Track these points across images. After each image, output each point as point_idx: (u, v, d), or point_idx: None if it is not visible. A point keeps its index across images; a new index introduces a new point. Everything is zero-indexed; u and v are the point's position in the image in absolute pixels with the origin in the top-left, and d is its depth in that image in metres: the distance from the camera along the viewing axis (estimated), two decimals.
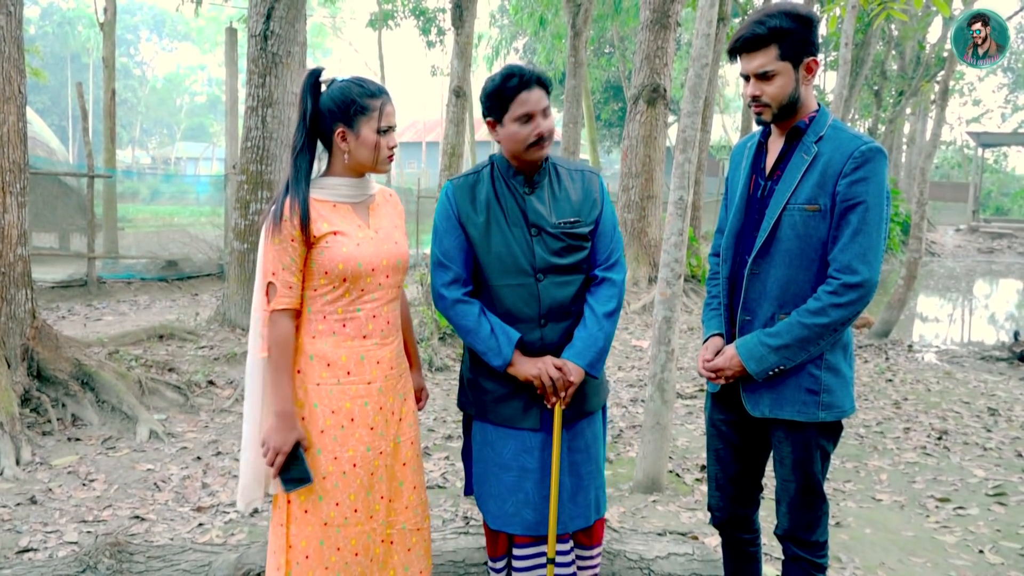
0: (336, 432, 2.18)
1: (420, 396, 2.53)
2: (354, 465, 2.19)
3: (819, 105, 2.21)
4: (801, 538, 2.26)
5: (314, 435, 2.18)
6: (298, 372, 2.19)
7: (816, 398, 2.18)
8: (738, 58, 2.18)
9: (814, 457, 2.21)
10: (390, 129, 2.22)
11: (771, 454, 2.34)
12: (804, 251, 2.14)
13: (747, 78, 2.17)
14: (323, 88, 2.21)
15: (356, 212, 2.25)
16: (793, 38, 2.09)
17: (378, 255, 2.21)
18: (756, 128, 2.39)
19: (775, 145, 2.26)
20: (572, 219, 2.38)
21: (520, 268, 2.35)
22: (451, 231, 2.40)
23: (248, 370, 2.23)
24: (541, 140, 2.33)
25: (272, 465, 2.12)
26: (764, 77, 2.12)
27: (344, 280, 2.16)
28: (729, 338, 2.36)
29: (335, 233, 2.16)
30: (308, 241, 2.14)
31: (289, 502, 2.19)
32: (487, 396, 2.42)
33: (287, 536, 2.19)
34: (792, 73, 2.12)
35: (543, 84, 2.34)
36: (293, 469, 2.13)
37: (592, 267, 2.43)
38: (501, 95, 2.31)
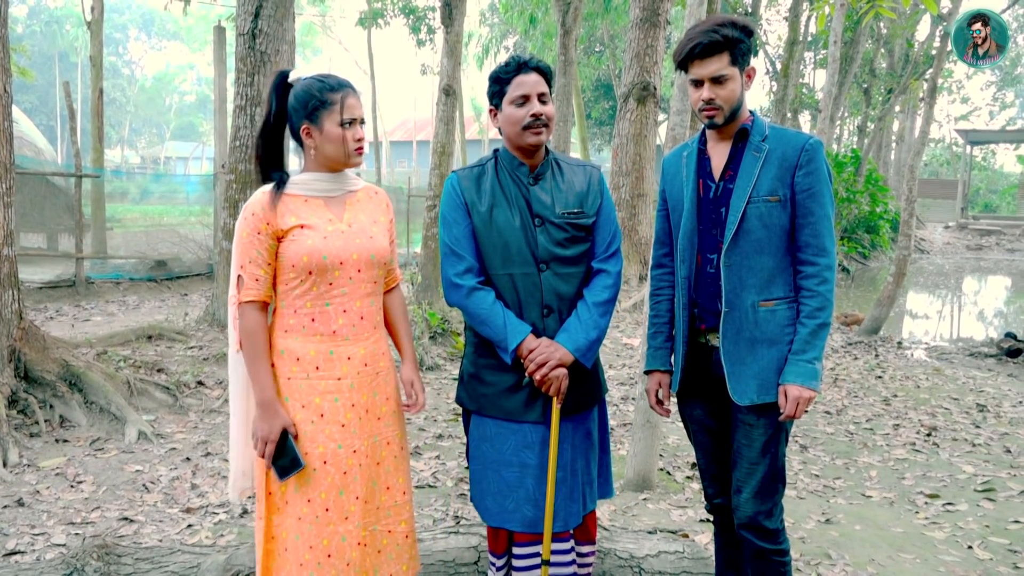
0: (307, 427, 2.19)
1: (411, 391, 2.43)
2: (324, 462, 2.18)
3: (750, 110, 2.40)
4: (762, 525, 2.33)
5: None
6: (272, 367, 2.21)
7: None
8: (688, 66, 2.32)
9: (781, 437, 2.34)
10: (354, 121, 2.22)
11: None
12: (771, 239, 2.31)
13: (696, 84, 2.33)
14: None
15: (329, 206, 2.25)
16: (741, 47, 2.29)
17: (347, 249, 2.21)
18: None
19: (718, 149, 2.40)
20: (576, 209, 2.40)
21: (523, 258, 2.36)
22: (460, 219, 2.40)
23: (230, 364, 2.27)
24: (537, 122, 2.34)
25: (264, 456, 2.15)
26: (718, 81, 2.28)
27: (310, 273, 2.18)
28: (688, 336, 2.43)
29: (302, 227, 2.19)
30: (277, 235, 2.18)
31: (270, 493, 2.20)
32: (489, 390, 2.41)
33: (268, 527, 2.20)
34: (739, 78, 2.30)
35: (542, 72, 2.38)
36: (284, 456, 2.15)
37: (591, 260, 2.45)
38: (499, 78, 2.39)
